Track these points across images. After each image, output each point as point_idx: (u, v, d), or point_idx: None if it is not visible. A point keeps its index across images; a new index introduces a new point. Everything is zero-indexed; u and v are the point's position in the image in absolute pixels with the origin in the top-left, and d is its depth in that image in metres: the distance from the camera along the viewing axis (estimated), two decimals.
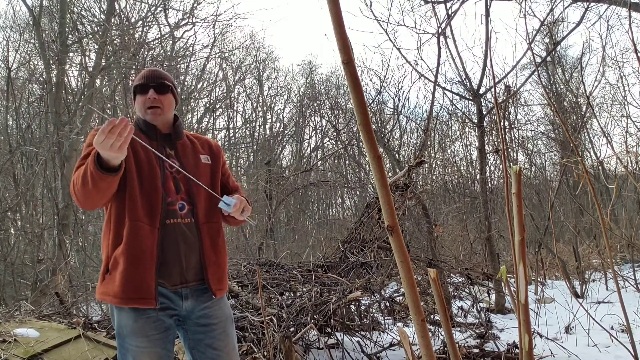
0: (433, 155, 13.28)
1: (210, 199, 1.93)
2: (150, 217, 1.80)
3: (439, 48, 6.79)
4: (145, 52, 9.24)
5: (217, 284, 1.89)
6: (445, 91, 8.14)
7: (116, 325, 1.82)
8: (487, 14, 7.00)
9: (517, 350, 4.00)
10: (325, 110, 15.52)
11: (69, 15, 8.62)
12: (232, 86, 16.86)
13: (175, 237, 1.83)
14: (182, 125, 2.01)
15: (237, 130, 17.41)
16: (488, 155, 9.64)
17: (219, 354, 1.89)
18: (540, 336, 4.37)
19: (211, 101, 15.46)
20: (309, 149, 18.18)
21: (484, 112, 7.43)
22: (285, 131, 18.39)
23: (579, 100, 12.48)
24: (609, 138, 12.31)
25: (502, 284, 6.26)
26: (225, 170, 2.10)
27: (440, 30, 6.85)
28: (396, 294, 4.45)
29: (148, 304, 1.75)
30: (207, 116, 15.50)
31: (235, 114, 17.68)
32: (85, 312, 5.83)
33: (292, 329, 3.66)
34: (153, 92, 1.89)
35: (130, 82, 8.74)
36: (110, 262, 1.79)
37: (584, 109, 11.58)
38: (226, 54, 14.42)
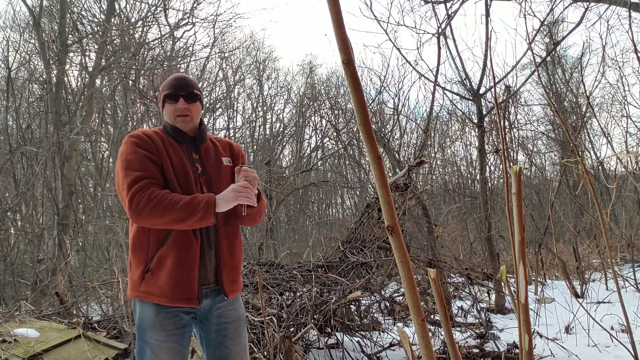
0: (433, 155, 13.28)
1: None
2: None
3: (439, 48, 6.80)
4: (145, 52, 9.24)
5: (230, 285, 1.96)
6: (445, 91, 8.14)
7: (138, 318, 1.89)
8: (487, 14, 7.01)
9: (517, 350, 4.00)
10: (325, 110, 15.52)
11: (69, 15, 8.62)
12: (232, 86, 16.87)
13: (207, 238, 1.93)
14: (206, 129, 2.08)
15: (237, 130, 17.41)
16: (488, 155, 9.64)
17: (229, 353, 1.96)
18: (540, 336, 4.37)
19: (211, 101, 15.46)
20: (309, 149, 18.19)
21: (484, 112, 7.43)
22: (285, 131, 18.40)
23: (579, 100, 12.49)
24: (609, 138, 12.32)
25: (502, 284, 6.26)
26: None
27: (440, 30, 6.85)
28: (396, 294, 4.45)
29: (192, 304, 1.86)
30: (207, 116, 15.49)
31: (235, 114, 17.69)
32: (85, 312, 5.83)
33: (292, 329, 3.66)
34: (183, 101, 1.95)
35: (130, 82, 8.74)
36: (151, 263, 1.85)
37: (584, 109, 11.59)
38: (226, 54, 14.43)
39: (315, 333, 3.83)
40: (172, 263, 1.83)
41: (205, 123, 2.14)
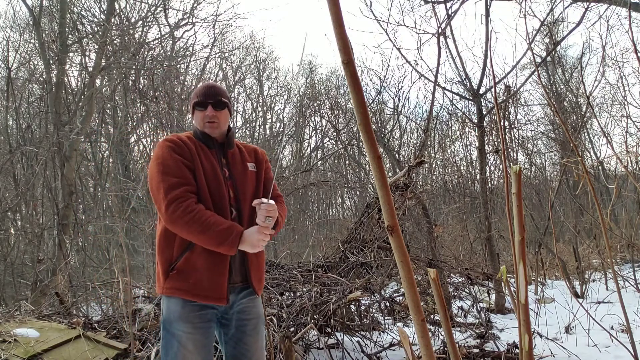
0: (433, 155, 13.28)
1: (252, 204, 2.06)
2: None
3: (439, 48, 6.79)
4: (145, 52, 9.24)
5: (258, 283, 2.08)
6: (445, 91, 8.14)
7: (164, 312, 1.97)
8: (487, 14, 7.01)
9: (517, 350, 4.00)
10: (325, 110, 15.52)
11: (69, 15, 8.62)
12: (232, 86, 16.86)
13: None
14: (234, 135, 2.17)
15: (237, 130, 17.40)
16: (488, 155, 9.64)
17: (247, 349, 2.04)
18: (540, 336, 4.37)
19: None
20: (309, 149, 18.18)
21: (484, 112, 7.42)
22: (285, 131, 18.39)
23: (579, 100, 12.48)
24: (609, 138, 12.32)
25: (502, 284, 6.26)
26: (267, 177, 2.22)
27: (440, 30, 6.85)
28: (396, 294, 4.45)
29: (222, 302, 1.95)
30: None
31: (235, 114, 17.68)
32: (85, 312, 5.83)
33: (292, 329, 3.66)
34: (211, 109, 2.05)
35: (130, 81, 8.74)
36: (177, 262, 1.94)
37: (584, 109, 11.58)
38: (226, 54, 14.43)
39: (315, 333, 3.83)
40: (203, 264, 1.93)
41: (234, 130, 2.23)
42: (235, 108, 17.54)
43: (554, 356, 4.13)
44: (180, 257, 1.93)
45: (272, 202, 1.97)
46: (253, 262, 2.05)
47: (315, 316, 3.84)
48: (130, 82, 8.74)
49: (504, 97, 8.61)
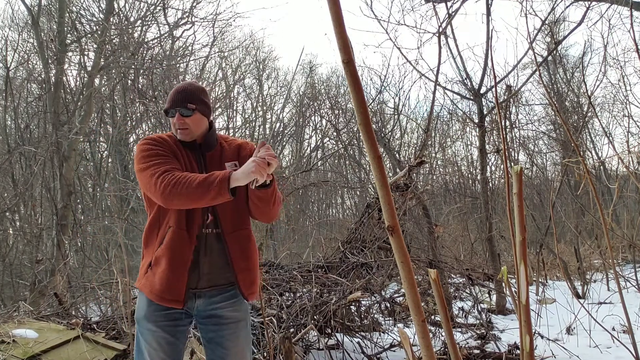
0: (434, 155, 13.27)
1: (237, 207, 2.00)
2: (190, 226, 1.93)
3: (440, 47, 6.77)
4: (145, 52, 9.22)
5: (248, 288, 2.01)
6: (446, 91, 8.11)
7: (136, 309, 2.01)
8: (488, 13, 6.99)
9: (518, 351, 3.98)
10: (325, 110, 15.51)
11: (67, 14, 8.60)
12: (232, 86, 16.85)
13: (204, 246, 1.97)
14: (213, 135, 2.09)
15: (236, 130, 17.39)
16: (489, 155, 9.61)
17: (227, 354, 1.98)
18: (542, 337, 4.35)
19: (211, 101, 15.43)
20: (309, 149, 18.17)
21: (485, 112, 7.40)
22: (285, 131, 18.38)
23: (581, 99, 12.47)
24: (610, 138, 12.30)
25: (503, 284, 6.24)
26: None
27: (440, 30, 6.83)
28: (396, 295, 4.43)
29: (177, 305, 1.91)
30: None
31: (234, 114, 17.67)
32: (84, 312, 5.81)
33: (292, 330, 3.64)
34: (179, 116, 1.99)
35: (129, 81, 8.72)
36: (152, 260, 1.95)
37: (585, 109, 11.56)
38: (226, 54, 14.42)
39: (315, 334, 3.81)
40: (165, 263, 1.90)
41: (215, 128, 2.14)
42: (234, 108, 17.52)
43: (555, 357, 4.12)
44: (154, 254, 1.94)
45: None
46: (240, 267, 1.98)
47: (315, 317, 3.82)
48: (129, 81, 8.73)
49: (505, 97, 8.59)
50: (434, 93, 7.32)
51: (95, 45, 9.00)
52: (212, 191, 1.76)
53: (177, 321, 1.95)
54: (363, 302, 4.42)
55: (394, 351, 4.05)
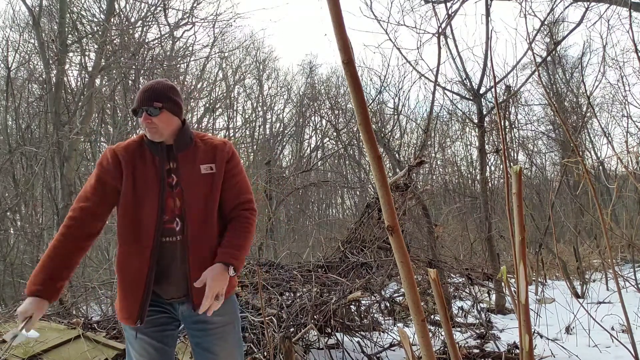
0: (433, 155, 13.27)
1: (205, 212, 1.90)
2: (142, 238, 1.86)
3: (439, 48, 6.79)
4: (145, 52, 9.23)
5: (200, 299, 1.82)
6: (446, 91, 8.13)
7: None
8: (488, 14, 7.00)
9: (517, 351, 3.99)
10: (325, 110, 15.51)
11: (68, 15, 8.61)
12: (232, 86, 16.85)
13: (169, 255, 1.89)
14: (186, 133, 1.96)
15: (237, 130, 17.39)
16: (488, 155, 9.63)
17: (215, 358, 1.93)
18: (541, 336, 4.36)
19: (211, 101, 15.44)
20: (309, 149, 18.17)
21: (485, 112, 7.42)
22: (285, 131, 18.39)
23: (580, 100, 12.48)
24: (609, 138, 12.30)
25: (503, 284, 6.25)
26: (230, 177, 1.98)
27: (440, 30, 6.84)
28: (396, 294, 4.44)
29: (130, 323, 1.87)
30: (207, 116, 15.47)
31: (235, 114, 17.67)
32: (84, 312, 5.83)
33: (292, 330, 3.65)
34: (146, 115, 1.88)
35: (130, 81, 8.73)
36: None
37: (584, 109, 11.57)
38: (226, 54, 14.42)
39: (315, 333, 3.82)
40: (120, 282, 1.90)
41: (188, 126, 2.02)
42: (235, 108, 17.52)
43: (554, 356, 4.12)
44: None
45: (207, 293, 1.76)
46: (194, 278, 1.83)
47: (315, 316, 3.83)
48: (130, 82, 8.73)
49: (505, 97, 8.61)
50: (433, 93, 7.35)
51: (96, 46, 9.00)
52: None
53: (163, 326, 1.92)
54: (363, 302, 4.44)
55: (394, 351, 4.06)
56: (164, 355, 1.92)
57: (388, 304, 4.54)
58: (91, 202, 1.90)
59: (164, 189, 1.88)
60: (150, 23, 9.85)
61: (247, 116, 17.90)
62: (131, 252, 1.86)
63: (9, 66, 8.68)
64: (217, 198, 1.94)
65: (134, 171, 1.89)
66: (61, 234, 1.85)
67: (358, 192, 14.76)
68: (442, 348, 3.99)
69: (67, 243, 1.84)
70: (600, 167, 12.62)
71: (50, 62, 8.24)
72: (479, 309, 4.88)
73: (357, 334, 4.17)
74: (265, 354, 3.38)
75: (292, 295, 4.39)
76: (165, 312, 1.93)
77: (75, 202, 1.92)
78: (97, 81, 9.40)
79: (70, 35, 8.69)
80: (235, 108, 17.52)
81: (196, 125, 14.14)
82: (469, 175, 13.52)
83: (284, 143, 18.36)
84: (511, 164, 10.08)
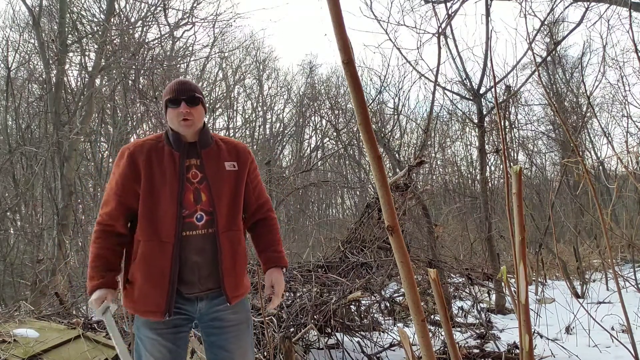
0: (433, 155, 13.27)
1: (232, 207, 1.97)
2: (163, 233, 1.88)
3: (439, 48, 6.78)
4: (145, 52, 9.22)
5: (233, 291, 1.95)
6: (446, 91, 8.13)
7: (135, 317, 1.97)
8: (488, 14, 7.00)
9: (517, 351, 3.99)
10: (325, 110, 15.51)
11: (68, 15, 8.61)
12: (232, 86, 16.85)
13: (191, 249, 1.91)
14: (208, 132, 2.03)
15: (237, 130, 17.39)
16: (488, 155, 9.63)
17: (230, 356, 1.96)
18: (541, 336, 4.36)
19: (211, 101, 15.45)
20: (309, 149, 18.17)
21: (485, 112, 7.42)
22: (286, 131, 18.39)
23: (580, 100, 12.48)
24: (609, 138, 12.30)
25: (503, 284, 6.25)
26: (252, 179, 2.09)
27: (440, 30, 6.84)
28: (396, 294, 4.44)
29: (157, 317, 1.88)
30: (207, 116, 15.48)
31: (235, 114, 17.68)
32: (84, 312, 5.82)
33: (292, 329, 3.65)
34: (185, 105, 1.92)
35: (130, 81, 8.73)
36: (128, 276, 1.94)
37: (584, 109, 11.57)
38: (226, 54, 14.43)
39: (315, 333, 3.82)
40: (140, 277, 1.89)
41: (209, 126, 2.09)
42: (235, 108, 17.53)
43: (554, 356, 4.12)
44: (129, 270, 1.94)
45: (276, 292, 2.02)
46: (228, 269, 1.93)
47: (315, 316, 3.83)
48: (130, 82, 8.73)
49: (505, 97, 8.61)
50: (433, 93, 7.35)
51: (96, 46, 9.00)
52: (88, 280, 1.91)
53: (178, 328, 1.92)
54: (363, 302, 4.44)
55: (394, 350, 4.06)
56: (176, 357, 1.91)
57: (388, 304, 4.54)
58: (111, 207, 1.94)
59: (183, 184, 1.91)
60: (150, 23, 9.85)
61: (247, 116, 17.91)
62: (153, 247, 1.88)
63: (9, 66, 8.68)
64: (242, 194, 2.02)
65: (151, 168, 1.92)
66: (94, 240, 1.94)
67: (358, 192, 14.76)
68: (442, 348, 3.99)
69: (102, 247, 1.92)
70: (600, 167, 12.62)
71: (50, 62, 8.25)
72: (479, 309, 4.88)
73: (357, 334, 4.17)
74: (265, 354, 3.38)
75: (292, 295, 4.39)
76: (180, 313, 1.92)
77: (101, 207, 1.99)
78: (97, 81, 9.41)
79: (70, 35, 8.69)
80: (235, 108, 17.53)
81: None
82: (469, 175, 13.53)
83: (284, 143, 18.38)
84: (511, 164, 10.08)
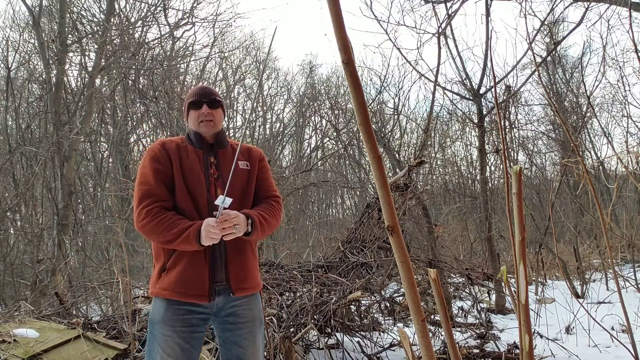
0: (433, 155, 13.28)
1: (241, 204, 2.07)
2: (203, 219, 1.95)
3: (439, 48, 6.79)
4: (145, 52, 9.23)
5: (237, 282, 2.00)
6: (446, 91, 8.12)
7: (150, 313, 2.00)
8: (488, 14, 7.00)
9: (517, 351, 3.99)
10: (325, 110, 15.52)
11: (68, 15, 8.61)
12: (232, 86, 16.86)
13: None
14: (225, 135, 2.19)
15: (237, 130, 17.39)
16: (488, 155, 9.64)
17: (244, 352, 2.01)
18: (541, 336, 4.36)
19: None
20: (309, 149, 18.18)
21: (485, 112, 7.42)
22: (286, 131, 18.39)
23: (580, 100, 12.48)
24: (609, 138, 12.32)
25: (503, 284, 6.25)
26: (261, 174, 2.20)
27: (440, 30, 6.84)
28: (396, 294, 4.44)
29: (203, 300, 1.94)
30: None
31: (235, 114, 17.68)
32: (84, 312, 5.83)
33: (292, 329, 3.65)
34: (206, 107, 2.09)
35: (130, 81, 8.73)
36: (168, 263, 1.98)
37: (584, 109, 11.58)
38: (226, 54, 14.42)
39: (315, 333, 3.82)
40: (185, 262, 1.94)
41: (225, 130, 2.26)
42: (235, 108, 17.53)
43: (554, 356, 4.13)
44: (170, 257, 1.98)
45: (227, 211, 1.91)
46: (233, 260, 2.01)
47: (315, 316, 3.83)
48: (130, 82, 8.74)
49: (505, 97, 8.60)
50: (433, 93, 7.35)
51: (96, 46, 9.01)
52: (182, 243, 1.89)
53: (193, 327, 1.95)
54: (363, 302, 4.44)
55: (394, 350, 4.06)
56: (190, 356, 1.94)
57: (388, 304, 4.54)
58: (151, 185, 1.98)
59: (208, 179, 2.05)
60: (150, 23, 9.86)
61: (247, 116, 17.91)
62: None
63: (9, 66, 8.68)
64: (252, 191, 2.15)
65: (181, 162, 2.04)
66: (153, 216, 1.93)
67: (358, 192, 14.77)
68: (442, 348, 3.99)
69: (165, 214, 1.94)
70: (600, 167, 12.63)
71: (50, 62, 8.25)
72: (479, 309, 4.88)
73: (357, 334, 4.17)
74: (265, 354, 3.38)
75: (292, 295, 4.39)
76: (198, 312, 1.96)
77: (137, 192, 1.99)
78: (97, 81, 9.41)
79: (70, 35, 8.70)
80: (235, 108, 17.53)
81: None
82: (469, 175, 13.53)
83: (284, 143, 18.39)
84: (511, 164, 10.09)
